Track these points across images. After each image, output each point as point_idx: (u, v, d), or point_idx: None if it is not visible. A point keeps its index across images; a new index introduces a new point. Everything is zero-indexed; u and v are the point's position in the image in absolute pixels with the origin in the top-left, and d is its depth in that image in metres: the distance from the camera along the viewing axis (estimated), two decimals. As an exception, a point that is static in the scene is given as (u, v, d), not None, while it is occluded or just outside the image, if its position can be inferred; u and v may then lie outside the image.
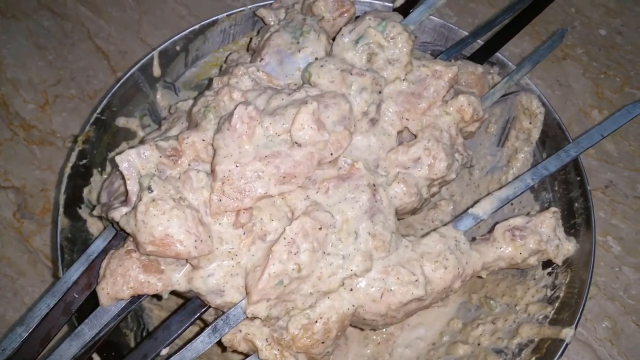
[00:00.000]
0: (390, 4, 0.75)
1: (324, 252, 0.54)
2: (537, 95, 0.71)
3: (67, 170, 0.64)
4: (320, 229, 0.54)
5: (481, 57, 0.73)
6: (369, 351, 0.68)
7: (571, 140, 0.68)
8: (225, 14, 0.74)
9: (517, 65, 0.72)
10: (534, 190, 0.71)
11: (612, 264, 0.80)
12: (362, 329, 0.65)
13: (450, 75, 0.64)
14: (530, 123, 0.72)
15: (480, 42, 0.74)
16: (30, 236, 0.79)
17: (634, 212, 0.83)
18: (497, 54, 0.74)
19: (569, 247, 0.63)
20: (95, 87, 0.91)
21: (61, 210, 0.62)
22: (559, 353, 0.57)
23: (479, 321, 0.67)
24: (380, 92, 0.61)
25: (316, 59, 0.63)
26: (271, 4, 0.73)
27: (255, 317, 0.53)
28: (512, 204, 0.73)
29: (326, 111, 0.56)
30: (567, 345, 0.57)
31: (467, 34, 0.74)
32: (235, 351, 0.55)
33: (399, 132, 0.63)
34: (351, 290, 0.55)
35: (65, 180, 0.64)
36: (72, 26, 0.96)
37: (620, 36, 0.98)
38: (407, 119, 0.63)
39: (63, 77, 0.92)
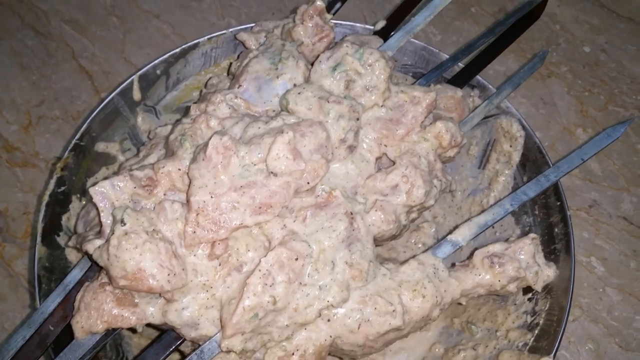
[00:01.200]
0: (372, 27, 0.75)
1: (300, 283, 0.54)
2: (518, 119, 0.71)
3: (45, 198, 0.64)
4: (296, 259, 0.54)
5: (461, 80, 0.73)
6: None
7: (551, 165, 0.68)
8: (206, 37, 0.74)
9: (497, 89, 0.72)
10: (515, 213, 0.71)
11: (595, 285, 0.80)
12: (341, 358, 0.65)
13: (428, 101, 0.63)
14: (511, 146, 0.72)
15: (460, 64, 0.74)
16: (12, 260, 0.78)
17: (617, 232, 0.83)
18: (478, 76, 0.74)
19: (549, 273, 0.63)
20: (78, 108, 0.90)
21: (39, 239, 0.62)
22: None
23: (460, 347, 0.67)
24: (357, 119, 0.61)
25: (294, 85, 0.63)
26: (252, 27, 0.73)
27: (230, 351, 0.52)
28: (493, 227, 0.73)
29: (303, 140, 0.56)
30: None
31: (447, 56, 0.74)
32: (211, 383, 0.55)
33: (378, 159, 0.63)
34: (328, 321, 0.55)
35: (43, 208, 0.63)
36: (56, 45, 0.96)
37: (604, 53, 0.98)
38: (385, 145, 0.63)
39: (47, 97, 0.92)
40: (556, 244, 0.65)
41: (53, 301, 0.56)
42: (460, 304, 0.63)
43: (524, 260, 0.62)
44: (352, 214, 0.57)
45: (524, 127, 0.71)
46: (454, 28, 1.00)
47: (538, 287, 0.62)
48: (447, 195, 0.79)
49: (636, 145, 0.90)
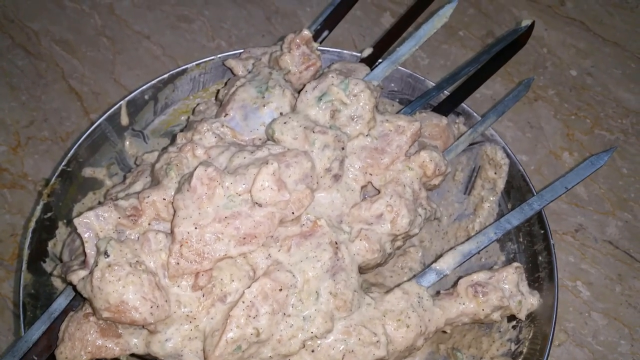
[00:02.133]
0: (359, 54, 0.76)
1: (284, 314, 0.54)
2: (502, 147, 0.72)
3: (32, 225, 0.64)
4: (280, 290, 0.54)
5: (446, 108, 0.74)
6: None
7: (535, 193, 0.69)
8: (194, 63, 0.75)
9: (482, 117, 0.73)
10: (500, 240, 0.72)
11: (581, 310, 0.80)
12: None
13: (412, 131, 0.64)
14: (495, 173, 0.73)
15: (446, 92, 0.75)
16: (-2, 284, 0.78)
17: (603, 257, 0.84)
18: (463, 104, 0.75)
19: (533, 301, 0.63)
20: (67, 129, 0.91)
21: (24, 266, 0.62)
22: None
23: (446, 374, 0.67)
24: (343, 149, 0.62)
25: (281, 114, 0.64)
26: (240, 54, 0.74)
27: (214, 381, 0.53)
28: (479, 254, 0.73)
29: (288, 170, 0.57)
30: None
31: (433, 84, 0.75)
32: (195, 414, 0.55)
33: (363, 187, 0.64)
34: (312, 351, 0.55)
35: (29, 235, 0.63)
36: (46, 66, 0.97)
37: (591, 77, 1.00)
38: (370, 174, 0.63)
39: (36, 118, 0.92)
40: (540, 272, 0.66)
41: (37, 329, 0.57)
42: (444, 332, 0.64)
43: (508, 289, 0.63)
44: (336, 243, 0.58)
45: (508, 155, 0.72)
46: (442, 52, 1.01)
47: (522, 315, 0.63)
48: (434, 220, 0.79)
49: (622, 169, 0.91)
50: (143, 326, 0.52)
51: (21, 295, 0.60)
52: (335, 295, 0.56)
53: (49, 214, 0.66)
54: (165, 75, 0.74)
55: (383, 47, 0.76)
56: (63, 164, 0.67)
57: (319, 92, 0.63)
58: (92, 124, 0.71)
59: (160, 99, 0.75)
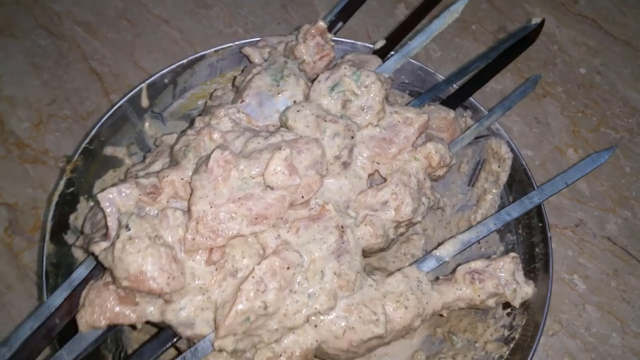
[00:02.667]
0: (372, 45, 0.80)
1: (291, 290, 0.59)
2: (506, 141, 0.76)
3: (55, 199, 0.68)
4: (288, 268, 0.58)
5: (454, 101, 0.77)
6: None
7: (536, 187, 0.72)
8: (212, 50, 0.78)
9: (489, 111, 0.76)
10: (500, 231, 0.76)
11: (576, 302, 0.84)
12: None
13: (420, 123, 0.68)
14: (499, 167, 0.77)
15: (455, 86, 0.78)
16: (20, 252, 0.83)
17: (600, 252, 0.88)
18: (471, 98, 0.78)
19: (528, 290, 0.67)
20: (88, 109, 0.95)
21: (47, 237, 0.67)
22: None
23: (441, 355, 0.71)
24: (352, 138, 0.65)
25: (294, 102, 0.68)
26: (257, 42, 0.78)
27: (222, 350, 0.57)
28: (479, 243, 0.78)
29: (299, 156, 0.61)
30: None
31: (442, 78, 0.79)
32: (203, 380, 0.60)
33: (370, 175, 0.68)
34: (315, 326, 0.60)
35: (52, 208, 0.68)
36: (67, 46, 1.01)
37: (600, 75, 1.02)
38: (377, 163, 0.67)
39: (57, 96, 0.97)
40: (536, 263, 0.70)
41: (59, 296, 0.61)
42: (442, 315, 0.68)
43: (504, 277, 0.66)
44: (342, 227, 0.62)
45: (512, 150, 0.75)
46: (454, 45, 1.04)
47: (516, 303, 0.67)
48: (438, 210, 0.83)
49: (624, 168, 0.94)
50: (159, 295, 0.57)
51: (44, 264, 0.65)
52: (339, 276, 0.60)
53: (71, 189, 0.70)
54: (185, 61, 0.78)
55: (396, 39, 0.80)
56: (86, 141, 0.72)
57: (331, 83, 0.67)
58: (112, 104, 0.76)
59: (179, 83, 0.79)
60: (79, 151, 0.71)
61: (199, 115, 0.70)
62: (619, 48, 1.05)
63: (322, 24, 0.74)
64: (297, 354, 0.59)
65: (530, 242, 0.72)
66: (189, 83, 0.80)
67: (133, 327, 0.60)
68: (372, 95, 0.66)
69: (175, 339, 0.60)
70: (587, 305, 0.84)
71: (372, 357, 0.74)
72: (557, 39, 1.06)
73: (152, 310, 0.58)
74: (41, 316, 0.60)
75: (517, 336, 0.67)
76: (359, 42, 0.81)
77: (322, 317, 0.60)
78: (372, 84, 0.66)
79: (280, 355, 0.59)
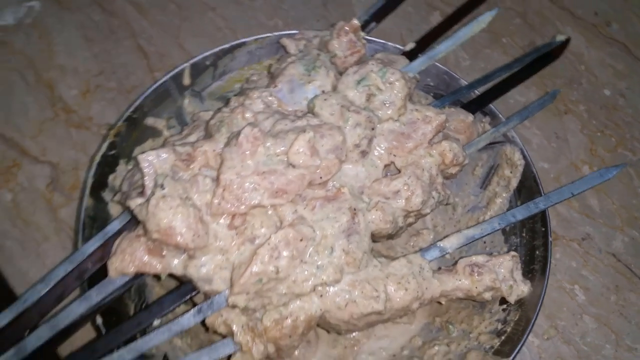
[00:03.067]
0: (402, 47, 0.86)
1: (301, 260, 0.65)
2: (520, 149, 0.81)
3: (97, 158, 0.76)
4: (301, 240, 0.65)
5: (474, 107, 0.83)
6: (335, 353, 0.79)
7: (543, 194, 0.77)
8: (253, 38, 0.86)
9: (506, 119, 0.82)
10: (505, 233, 0.81)
11: (574, 311, 0.89)
12: (327, 331, 0.76)
13: (438, 122, 0.74)
14: (511, 172, 0.82)
15: (477, 92, 0.84)
16: (58, 208, 0.92)
17: (604, 267, 0.92)
18: (490, 106, 0.84)
19: (524, 289, 0.73)
20: (132, 83, 1.03)
21: (87, 191, 0.74)
22: None
23: (437, 342, 0.77)
24: (373, 129, 0.72)
25: (322, 92, 0.74)
26: (294, 34, 0.85)
27: (235, 306, 0.64)
28: (484, 242, 0.83)
29: (321, 140, 0.67)
30: None
31: (466, 83, 0.85)
32: (215, 332, 0.67)
33: (386, 166, 0.74)
34: (320, 296, 0.66)
35: (94, 166, 0.76)
36: (118, 23, 1.10)
37: (623, 98, 1.07)
38: (394, 155, 0.74)
39: (105, 69, 1.05)
40: (535, 265, 0.75)
41: (93, 245, 0.69)
42: (440, 303, 0.74)
43: (502, 273, 0.72)
44: (355, 210, 0.69)
45: (524, 157, 0.81)
46: (484, 55, 1.10)
47: (512, 299, 0.72)
48: (449, 208, 0.89)
49: (637, 189, 0.98)
50: (184, 250, 0.64)
51: (82, 215, 0.73)
52: (347, 253, 0.67)
53: (113, 152, 0.78)
54: (227, 46, 0.85)
55: (425, 43, 0.86)
56: (130, 110, 0.79)
57: (358, 77, 0.73)
58: (156, 80, 0.83)
59: (220, 66, 0.86)
60: (123, 118, 0.79)
61: (235, 96, 0.77)
62: (646, 74, 1.09)
63: (355, 22, 0.80)
64: (302, 318, 0.66)
65: (532, 245, 0.77)
66: (229, 67, 0.87)
67: (157, 277, 0.67)
68: (395, 91, 0.73)
69: (193, 293, 0.67)
70: (584, 316, 0.88)
71: (373, 337, 0.80)
72: (585, 59, 1.10)
73: (176, 264, 0.65)
74: (75, 260, 0.68)
75: (509, 330, 0.72)
76: (390, 43, 0.87)
77: (327, 288, 0.66)
78: (396, 81, 0.73)
79: (287, 318, 0.65)
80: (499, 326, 0.74)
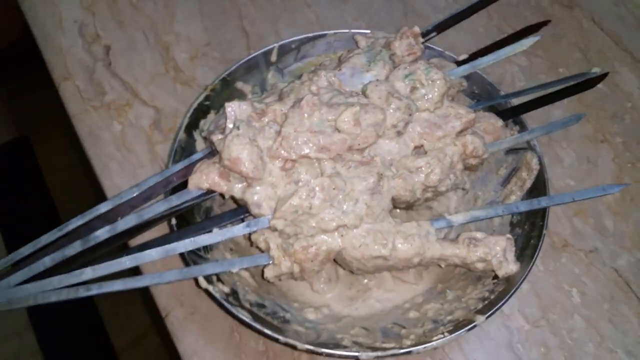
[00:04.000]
0: (456, 57, 1.05)
1: (331, 204, 0.86)
2: (538, 156, 0.98)
3: (194, 105, 1.01)
4: (334, 188, 0.86)
5: (507, 115, 1.01)
6: (350, 293, 0.99)
7: (548, 195, 0.94)
8: (333, 32, 1.08)
9: (531, 129, 0.99)
10: (512, 224, 0.98)
11: (567, 309, 1.03)
12: (342, 267, 0.96)
13: (468, 119, 0.92)
14: (527, 175, 0.99)
15: (512, 103, 1.02)
16: (156, 144, 1.17)
17: (604, 278, 1.06)
18: (522, 118, 1.01)
19: (513, 267, 0.89)
20: (232, 56, 1.28)
21: (183, 128, 0.99)
22: (467, 328, 0.84)
23: (433, 301, 0.95)
24: (410, 115, 0.91)
25: (377, 80, 0.95)
26: (367, 33, 1.06)
27: (274, 229, 0.86)
28: (494, 231, 1.00)
29: (365, 115, 0.88)
30: (474, 325, 0.85)
31: (502, 94, 1.02)
32: (257, 247, 0.89)
33: (416, 147, 0.93)
34: (342, 235, 0.86)
35: (191, 110, 1.01)
36: (230, 6, 1.35)
37: (663, 139, 1.19)
38: (424, 140, 0.93)
39: (212, 41, 1.31)
40: (527, 251, 0.92)
41: (180, 165, 0.93)
42: (440, 266, 0.92)
43: (496, 250, 0.88)
44: (382, 175, 0.88)
45: (540, 163, 0.97)
46: (538, 80, 1.26)
47: (500, 274, 0.89)
48: (472, 199, 1.06)
49: None
50: (245, 179, 0.86)
51: (176, 144, 0.98)
52: (368, 207, 0.87)
53: (207, 102, 1.03)
54: (311, 35, 1.08)
55: (476, 56, 1.04)
56: (225, 73, 1.04)
57: (407, 72, 0.93)
58: (250, 53, 1.08)
59: (302, 51, 1.09)
60: (219, 78, 1.04)
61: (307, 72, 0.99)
62: (690, 120, 1.21)
63: (416, 29, 1.00)
64: (323, 249, 0.86)
65: (530, 236, 0.93)
66: (309, 53, 1.10)
67: (222, 196, 0.90)
68: (435, 88, 0.92)
69: (246, 214, 0.89)
70: (576, 315, 1.03)
71: (382, 289, 0.99)
72: (634, 98, 1.24)
73: (237, 188, 0.88)
74: (164, 174, 0.93)
75: (492, 297, 0.89)
76: (447, 52, 1.06)
77: (347, 231, 0.86)
78: (437, 80, 0.92)
79: (312, 246, 0.86)
80: (486, 294, 0.91)
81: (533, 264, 0.89)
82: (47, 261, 0.85)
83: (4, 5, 2.53)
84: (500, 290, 0.90)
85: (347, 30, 1.08)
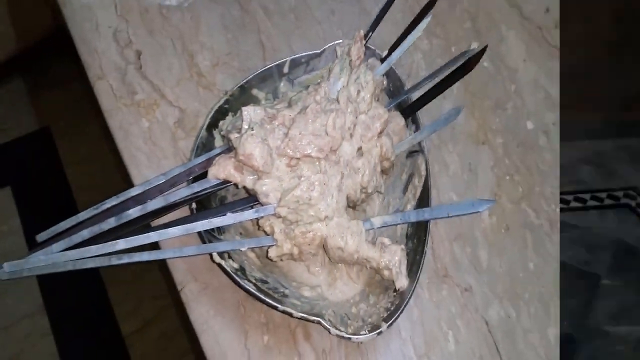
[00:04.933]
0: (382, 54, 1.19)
1: (323, 198, 1.00)
2: (425, 160, 1.04)
3: (215, 107, 1.17)
4: (324, 184, 1.03)
5: (407, 112, 1.08)
6: (329, 279, 1.07)
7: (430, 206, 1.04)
8: (328, 45, 1.24)
9: (420, 130, 1.06)
10: (407, 237, 1.06)
11: (444, 355, 1.03)
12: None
13: (384, 119, 1.06)
14: (417, 182, 1.06)
15: (412, 98, 1.07)
16: (179, 140, 1.33)
17: (475, 329, 1.07)
18: (418, 117, 1.08)
19: (404, 282, 0.96)
20: (249, 66, 1.43)
21: (205, 127, 1.16)
22: (375, 333, 0.96)
23: (363, 302, 1.03)
24: (356, 117, 1.06)
25: (343, 86, 1.09)
26: (340, 43, 1.22)
27: (279, 216, 1.04)
28: (396, 240, 1.08)
29: (337, 120, 1.01)
30: (380, 332, 0.96)
31: (407, 88, 1.09)
32: (263, 230, 1.07)
33: (359, 149, 1.07)
34: (326, 225, 1.02)
35: (212, 112, 1.17)
36: (249, 20, 1.51)
37: (546, 137, 1.15)
38: (362, 142, 1.06)
39: (232, 51, 1.47)
40: (414, 267, 0.98)
41: (201, 158, 1.10)
42: (367, 267, 1.05)
43: (395, 260, 0.96)
44: (343, 174, 1.03)
45: (426, 169, 1.03)
46: (436, 65, 1.16)
47: (396, 286, 0.96)
48: (387, 205, 1.14)
49: (528, 262, 1.12)
50: (256, 172, 1.05)
51: (198, 141, 1.15)
52: (337, 202, 1.01)
53: (226, 106, 1.21)
54: (318, 51, 1.26)
55: (391, 51, 1.15)
56: (244, 81, 1.21)
57: (355, 76, 1.07)
58: (266, 66, 1.26)
59: (310, 64, 1.27)
60: (238, 85, 1.22)
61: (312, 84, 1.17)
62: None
63: (361, 32, 1.15)
64: (319, 234, 1.03)
65: (417, 250, 1.01)
66: (317, 66, 1.26)
67: (236, 186, 1.08)
68: (367, 90, 1.06)
69: (256, 202, 1.07)
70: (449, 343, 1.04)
71: (341, 281, 1.09)
72: (518, 76, 1.20)
73: (249, 179, 1.06)
74: (188, 165, 1.10)
75: (392, 308, 0.99)
76: (377, 50, 1.19)
77: (328, 221, 1.03)
78: (369, 81, 1.06)
79: (310, 232, 1.03)
80: (389, 305, 0.97)
81: (416, 284, 0.95)
82: (85, 233, 1.00)
83: (33, 5, 2.74)
84: (397, 304, 0.95)
85: (331, 44, 1.22)
